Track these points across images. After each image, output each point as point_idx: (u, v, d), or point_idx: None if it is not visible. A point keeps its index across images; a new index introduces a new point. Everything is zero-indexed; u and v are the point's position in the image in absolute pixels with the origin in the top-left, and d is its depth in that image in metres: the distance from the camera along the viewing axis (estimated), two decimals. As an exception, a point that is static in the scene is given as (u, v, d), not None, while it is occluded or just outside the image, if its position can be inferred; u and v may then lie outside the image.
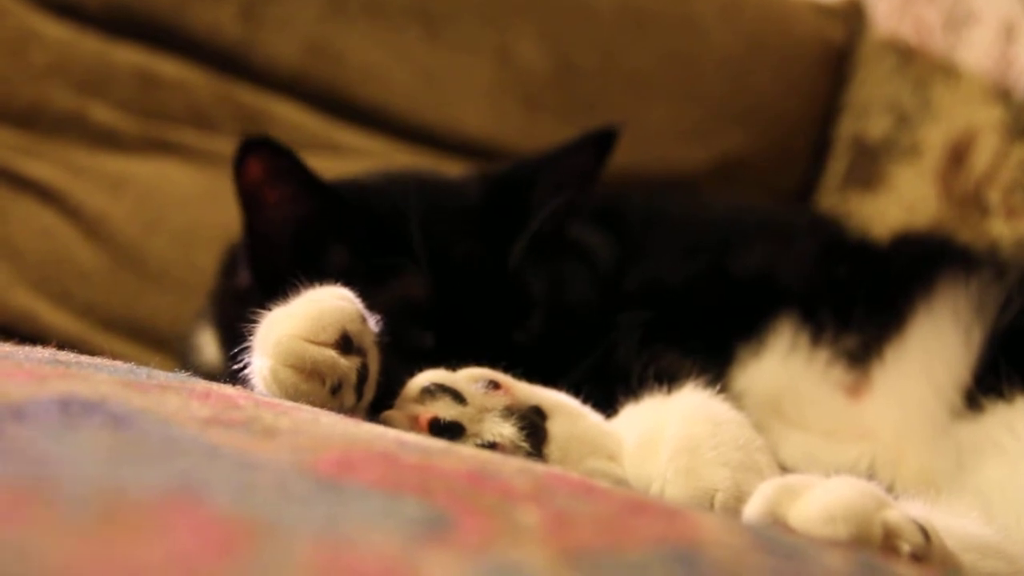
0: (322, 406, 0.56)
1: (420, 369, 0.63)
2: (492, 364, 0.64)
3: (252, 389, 0.59)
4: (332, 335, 0.58)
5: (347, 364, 0.58)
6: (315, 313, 0.59)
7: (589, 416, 0.66)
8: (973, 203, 1.14)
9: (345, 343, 0.58)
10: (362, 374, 0.59)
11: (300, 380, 0.57)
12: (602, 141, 0.89)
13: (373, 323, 0.61)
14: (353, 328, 0.59)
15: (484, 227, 0.85)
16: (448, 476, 0.39)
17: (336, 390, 0.58)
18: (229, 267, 0.90)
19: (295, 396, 0.57)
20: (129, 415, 0.42)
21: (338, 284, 0.64)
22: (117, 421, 0.41)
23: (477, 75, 1.30)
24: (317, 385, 0.57)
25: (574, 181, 0.89)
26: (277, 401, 0.50)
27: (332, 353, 0.57)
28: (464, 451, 0.46)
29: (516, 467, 0.43)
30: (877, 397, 0.84)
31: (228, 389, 0.50)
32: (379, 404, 0.62)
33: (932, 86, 1.26)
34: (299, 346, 0.57)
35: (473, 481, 0.39)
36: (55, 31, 1.16)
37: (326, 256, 0.83)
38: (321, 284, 0.64)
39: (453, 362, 0.64)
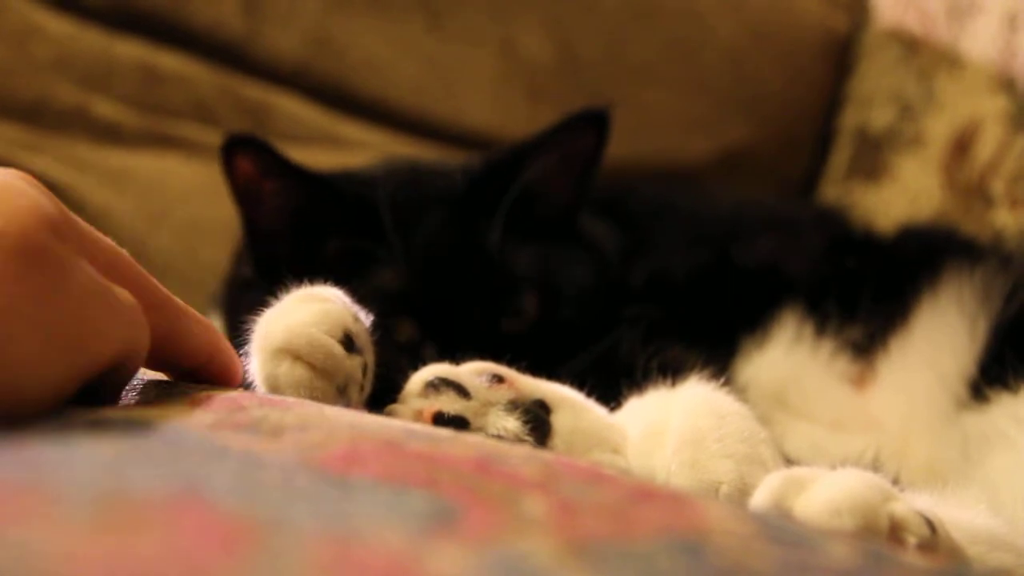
0: (329, 403, 0.56)
1: (420, 363, 0.63)
2: (493, 356, 0.64)
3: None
4: (338, 337, 0.58)
5: (352, 363, 0.58)
6: (318, 313, 0.59)
7: (593, 409, 0.66)
8: (977, 193, 1.14)
9: (348, 342, 0.58)
10: (364, 371, 0.60)
11: (313, 376, 0.57)
12: (596, 123, 0.88)
13: (365, 317, 0.61)
14: (353, 327, 0.59)
15: (464, 212, 0.84)
16: (456, 464, 0.39)
17: (343, 389, 0.58)
18: (238, 257, 0.90)
19: (305, 393, 0.57)
20: (133, 420, 0.42)
21: (331, 277, 0.64)
22: (122, 424, 0.41)
23: (481, 67, 1.30)
24: (327, 383, 0.57)
25: (569, 163, 0.88)
26: (280, 399, 0.50)
27: (342, 349, 0.58)
28: (471, 439, 0.46)
29: (524, 454, 0.43)
30: (882, 388, 0.84)
31: (230, 391, 0.50)
32: (377, 398, 0.62)
33: (936, 76, 1.26)
34: (316, 338, 0.57)
35: (480, 469, 0.39)
36: (57, 25, 1.16)
37: (323, 246, 0.83)
38: (320, 276, 0.65)
39: (444, 352, 0.64)
